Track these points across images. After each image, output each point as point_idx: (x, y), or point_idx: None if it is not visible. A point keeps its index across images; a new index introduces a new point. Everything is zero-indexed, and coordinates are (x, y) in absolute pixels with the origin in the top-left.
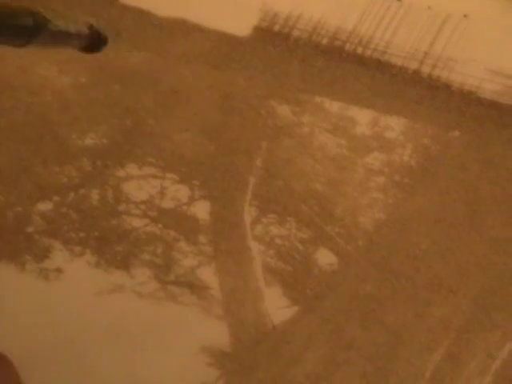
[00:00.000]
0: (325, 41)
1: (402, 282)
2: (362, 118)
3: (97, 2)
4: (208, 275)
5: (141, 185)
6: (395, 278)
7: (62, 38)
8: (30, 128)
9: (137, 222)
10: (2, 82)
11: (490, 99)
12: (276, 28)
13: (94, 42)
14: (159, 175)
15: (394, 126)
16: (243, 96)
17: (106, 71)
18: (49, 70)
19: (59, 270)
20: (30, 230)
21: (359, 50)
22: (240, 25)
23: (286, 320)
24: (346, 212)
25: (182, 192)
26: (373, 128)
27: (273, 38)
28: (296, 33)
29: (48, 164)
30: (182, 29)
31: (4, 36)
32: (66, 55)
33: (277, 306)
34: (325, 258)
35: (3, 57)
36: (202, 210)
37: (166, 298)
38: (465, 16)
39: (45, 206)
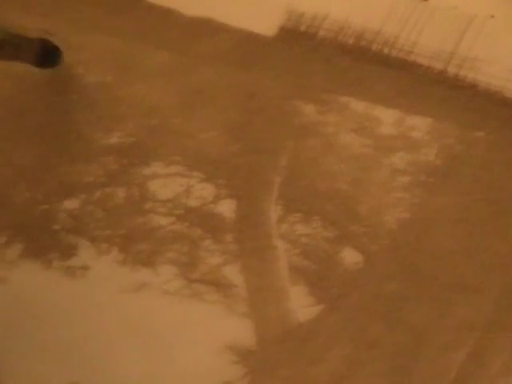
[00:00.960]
0: (351, 41)
1: (426, 282)
2: (388, 118)
3: (122, 1)
4: (234, 273)
5: (167, 183)
6: (419, 277)
7: (10, 49)
8: (55, 127)
9: (163, 220)
10: (26, 82)
11: None
12: (302, 28)
13: (46, 54)
14: (185, 174)
15: (420, 125)
16: (268, 95)
17: (132, 70)
18: (74, 68)
19: (85, 268)
20: (56, 227)
21: (385, 51)
22: (266, 24)
23: (311, 318)
24: (371, 211)
25: (208, 190)
26: (398, 128)
27: (298, 38)
28: (322, 33)
29: (74, 162)
30: (208, 28)
31: None
32: (90, 54)
33: (302, 305)
34: (350, 256)
35: None
36: (227, 209)
37: (192, 296)
38: (492, 16)
39: (71, 204)
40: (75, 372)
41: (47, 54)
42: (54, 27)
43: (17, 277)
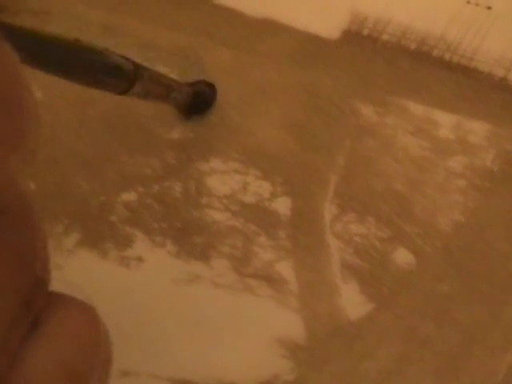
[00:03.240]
0: (413, 46)
1: (478, 283)
2: (446, 122)
3: (188, 1)
4: (286, 269)
5: (224, 179)
6: (472, 278)
7: (161, 89)
8: (117, 119)
9: (218, 216)
10: None
11: None
12: (365, 32)
13: (198, 102)
14: (242, 171)
15: (478, 130)
16: (328, 95)
17: (195, 67)
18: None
19: (140, 259)
20: (113, 218)
21: (447, 56)
22: (329, 27)
23: (362, 316)
24: (425, 213)
25: (265, 188)
26: (456, 132)
27: (361, 41)
28: (385, 37)
29: (134, 155)
30: (271, 28)
31: (103, 79)
32: (156, 50)
33: (353, 302)
34: (402, 257)
35: None
36: (283, 206)
37: (244, 290)
38: None
39: (129, 196)
40: (125, 360)
41: (197, 104)
42: (119, 22)
43: (73, 265)
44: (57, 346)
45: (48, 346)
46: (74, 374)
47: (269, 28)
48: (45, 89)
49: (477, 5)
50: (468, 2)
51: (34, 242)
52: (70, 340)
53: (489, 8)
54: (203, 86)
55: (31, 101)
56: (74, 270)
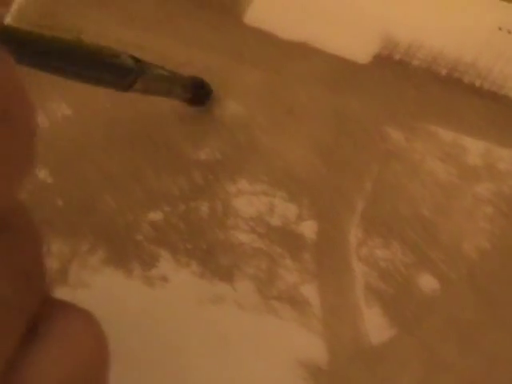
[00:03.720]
0: (443, 71)
1: (503, 310)
2: (475, 149)
3: (222, 20)
4: (310, 292)
5: (251, 201)
6: (497, 305)
7: (163, 85)
8: (145, 138)
9: (244, 237)
10: (118, 93)
11: None
12: (396, 57)
13: (198, 94)
14: (270, 193)
15: (507, 158)
16: (357, 119)
17: (225, 88)
18: None
19: (165, 279)
20: (139, 238)
21: (477, 83)
22: (361, 52)
23: (384, 340)
24: (451, 239)
25: (291, 210)
26: (485, 159)
27: (392, 66)
28: (416, 62)
29: (161, 175)
30: (303, 52)
31: (105, 76)
32: (187, 69)
33: (376, 327)
34: (427, 282)
35: None
36: (309, 230)
37: (267, 312)
38: None
39: (155, 216)
40: (147, 377)
41: (199, 93)
42: (152, 42)
43: (99, 283)
44: (56, 358)
45: (46, 358)
46: None
47: (300, 51)
48: (76, 107)
49: (509, 32)
50: (500, 29)
51: (41, 259)
52: (72, 353)
53: None
54: (198, 80)
55: (35, 120)
56: (100, 288)
